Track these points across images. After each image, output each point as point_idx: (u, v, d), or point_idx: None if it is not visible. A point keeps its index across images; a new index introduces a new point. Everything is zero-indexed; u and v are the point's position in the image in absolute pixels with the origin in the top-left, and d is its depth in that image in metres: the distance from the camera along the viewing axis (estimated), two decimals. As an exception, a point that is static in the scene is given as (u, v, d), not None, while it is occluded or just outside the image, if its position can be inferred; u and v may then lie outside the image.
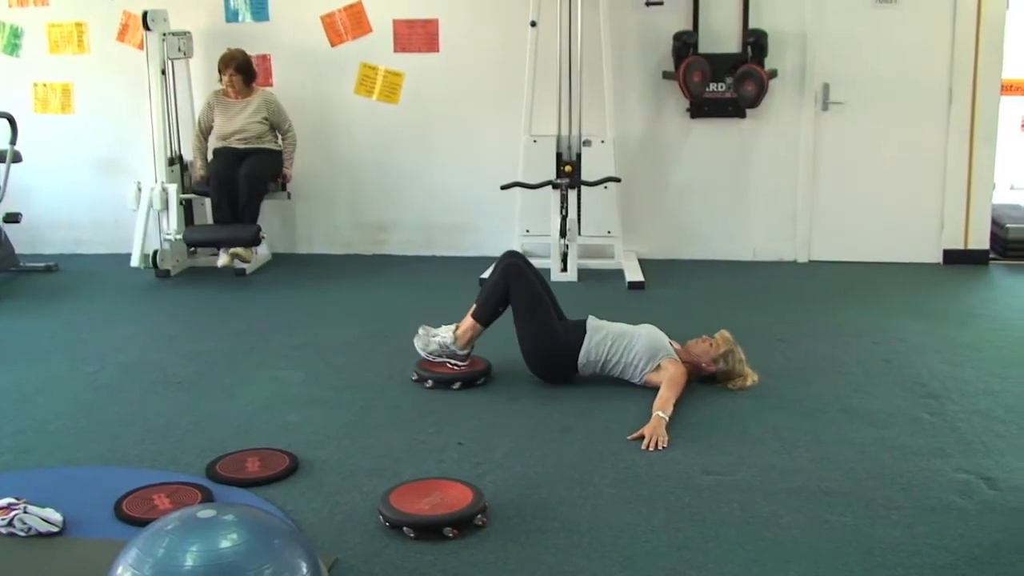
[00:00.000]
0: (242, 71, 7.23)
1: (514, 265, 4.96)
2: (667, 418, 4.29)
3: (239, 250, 7.02)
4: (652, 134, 7.49)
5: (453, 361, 4.97)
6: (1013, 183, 9.03)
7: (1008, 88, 7.68)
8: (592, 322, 4.89)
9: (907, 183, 7.38)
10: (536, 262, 7.11)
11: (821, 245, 7.53)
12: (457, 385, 4.85)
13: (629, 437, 4.20)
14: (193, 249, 7.41)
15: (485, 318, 4.96)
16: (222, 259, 7.08)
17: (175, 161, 7.35)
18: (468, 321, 4.96)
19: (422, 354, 5.01)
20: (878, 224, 7.44)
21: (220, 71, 7.24)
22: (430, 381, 4.87)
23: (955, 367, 5.13)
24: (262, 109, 7.28)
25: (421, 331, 5.05)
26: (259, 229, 7.08)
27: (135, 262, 7.00)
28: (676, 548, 3.31)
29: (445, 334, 4.97)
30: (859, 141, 7.36)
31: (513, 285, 4.88)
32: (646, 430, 4.19)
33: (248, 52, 7.38)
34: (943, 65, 7.20)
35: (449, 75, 7.57)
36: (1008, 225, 7.55)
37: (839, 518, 3.50)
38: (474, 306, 5.00)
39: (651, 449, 4.08)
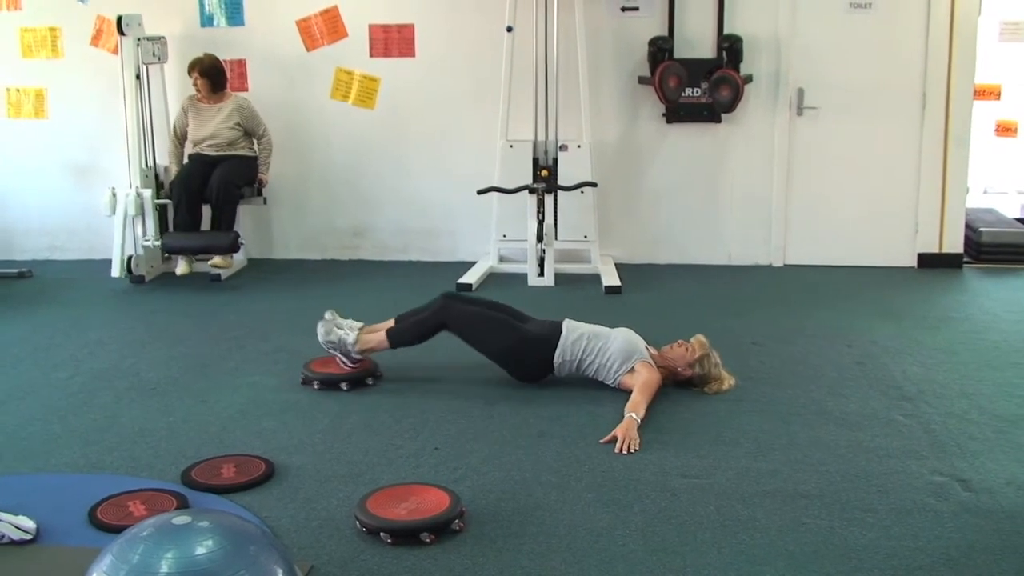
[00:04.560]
0: (207, 76, 7.20)
1: (446, 307, 4.93)
2: (639, 420, 4.30)
3: (217, 260, 7.00)
4: (628, 139, 7.51)
5: (344, 359, 4.96)
6: (986, 187, 9.12)
7: (980, 93, 7.74)
8: (569, 323, 4.91)
9: (881, 187, 7.42)
10: (513, 267, 7.22)
11: (796, 249, 7.57)
12: (345, 386, 4.87)
13: (601, 440, 4.20)
14: (167, 255, 7.35)
15: (397, 342, 4.95)
16: (181, 267, 7.06)
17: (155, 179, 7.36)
18: (380, 336, 4.94)
19: (319, 339, 4.97)
20: (853, 228, 7.49)
21: (189, 75, 7.24)
22: (317, 383, 4.89)
23: (929, 370, 5.16)
24: (234, 115, 7.26)
25: (328, 315, 5.01)
26: (237, 236, 7.05)
27: (116, 272, 6.96)
28: (653, 551, 3.32)
29: (350, 332, 4.93)
30: (834, 146, 7.40)
31: (454, 323, 4.89)
32: (618, 431, 4.20)
33: (223, 57, 7.37)
34: (917, 70, 7.25)
35: (425, 80, 7.56)
36: (981, 229, 7.61)
37: (815, 521, 3.52)
38: (393, 322, 5.01)
39: (624, 452, 4.09)
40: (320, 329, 4.97)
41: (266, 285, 7.10)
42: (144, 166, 7.23)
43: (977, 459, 4.04)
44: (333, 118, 7.70)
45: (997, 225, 7.82)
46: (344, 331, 4.94)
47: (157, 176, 7.39)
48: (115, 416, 4.59)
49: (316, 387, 4.88)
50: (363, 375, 4.94)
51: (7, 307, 6.61)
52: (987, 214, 8.15)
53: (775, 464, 4.00)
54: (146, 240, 7.12)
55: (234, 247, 7.02)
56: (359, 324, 4.99)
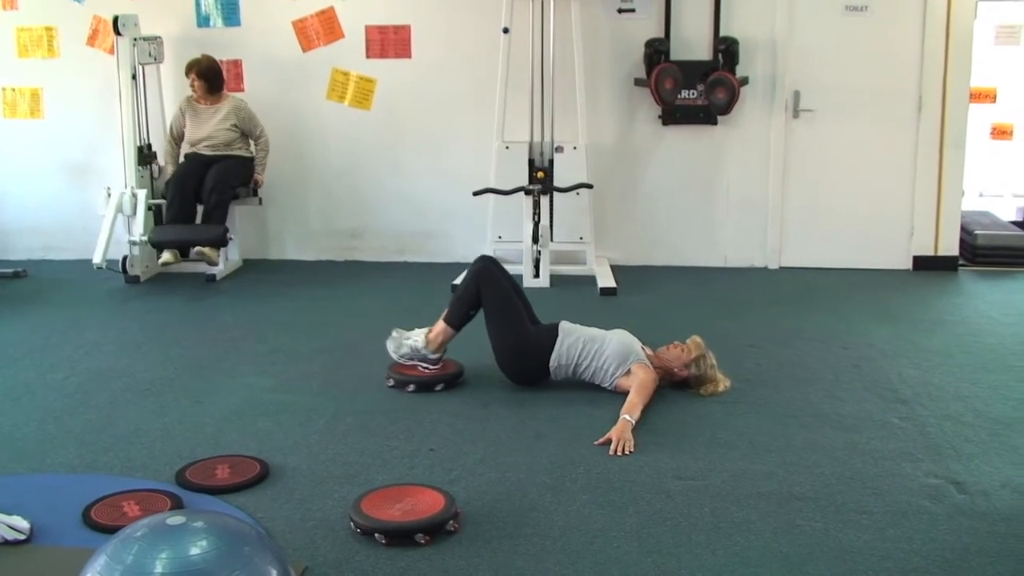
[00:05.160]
0: (204, 77, 7.20)
1: (485, 269, 4.98)
2: (633, 422, 4.29)
3: (204, 249, 6.94)
4: (624, 141, 7.51)
5: (424, 364, 4.97)
6: (982, 190, 9.14)
7: (976, 96, 7.75)
8: (564, 326, 4.90)
9: (877, 190, 7.43)
10: (508, 268, 7.19)
11: (792, 251, 7.57)
12: (440, 387, 4.87)
13: (596, 442, 4.20)
14: (159, 255, 7.28)
15: (456, 322, 4.96)
16: (165, 255, 7.00)
17: (146, 154, 7.31)
18: (440, 325, 4.97)
19: (394, 357, 5.00)
20: (848, 231, 7.49)
21: (186, 76, 7.24)
22: (412, 386, 4.86)
23: (925, 372, 5.16)
24: (231, 116, 7.26)
25: (394, 333, 5.05)
26: (226, 230, 7.02)
27: (96, 259, 6.89)
28: (648, 553, 3.32)
29: (417, 338, 4.97)
30: (829, 148, 7.41)
31: (484, 289, 4.90)
32: (612, 434, 4.20)
33: (219, 57, 7.36)
34: (913, 73, 7.25)
35: (421, 81, 7.56)
36: (977, 232, 7.62)
37: (810, 523, 3.52)
38: (446, 310, 5.01)
39: (618, 454, 4.09)
40: (390, 346, 5.02)
41: (262, 286, 7.09)
42: (139, 166, 7.22)
43: (972, 462, 4.04)
44: (329, 119, 7.69)
45: (992, 228, 7.83)
46: (412, 340, 4.98)
47: (152, 176, 7.37)
48: (110, 417, 4.59)
49: (411, 390, 4.86)
50: (452, 376, 4.95)
51: (2, 307, 6.59)
52: (983, 217, 8.17)
53: (770, 466, 4.00)
54: (133, 238, 7.04)
55: (222, 240, 6.98)
56: (424, 330, 5.01)
